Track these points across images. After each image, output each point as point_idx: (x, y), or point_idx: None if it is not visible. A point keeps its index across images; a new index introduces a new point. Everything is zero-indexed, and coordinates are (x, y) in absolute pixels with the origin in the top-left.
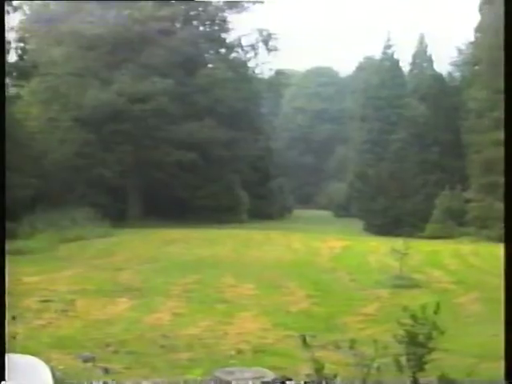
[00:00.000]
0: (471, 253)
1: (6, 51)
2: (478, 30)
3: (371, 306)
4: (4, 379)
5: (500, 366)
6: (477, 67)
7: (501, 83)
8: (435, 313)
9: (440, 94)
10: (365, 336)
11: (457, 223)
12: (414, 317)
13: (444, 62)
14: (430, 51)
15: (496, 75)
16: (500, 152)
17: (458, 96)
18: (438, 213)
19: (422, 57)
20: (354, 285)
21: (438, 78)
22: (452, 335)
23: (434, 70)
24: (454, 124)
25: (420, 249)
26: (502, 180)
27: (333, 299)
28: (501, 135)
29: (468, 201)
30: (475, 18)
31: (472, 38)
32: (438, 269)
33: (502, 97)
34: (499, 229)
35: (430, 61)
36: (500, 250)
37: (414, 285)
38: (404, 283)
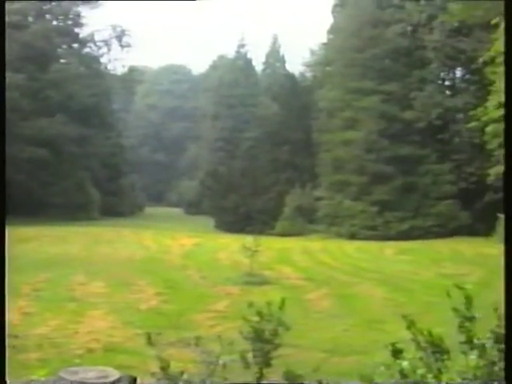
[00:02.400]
0: (321, 250)
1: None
2: (330, 31)
3: (221, 303)
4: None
5: (350, 361)
6: (329, 68)
7: (352, 84)
8: (280, 309)
9: (292, 94)
10: (215, 333)
11: (307, 221)
12: (259, 313)
13: (296, 63)
14: (282, 51)
15: (348, 76)
16: (349, 151)
17: (309, 96)
18: (288, 210)
19: (275, 57)
20: (205, 282)
21: (290, 77)
22: (302, 331)
23: (286, 69)
24: (305, 123)
25: (270, 246)
26: (350, 178)
27: (183, 296)
28: (350, 135)
29: (318, 199)
30: (328, 20)
31: (325, 40)
32: (288, 265)
33: (353, 97)
34: (348, 226)
35: (282, 61)
36: (349, 246)
37: (264, 281)
38: (254, 280)
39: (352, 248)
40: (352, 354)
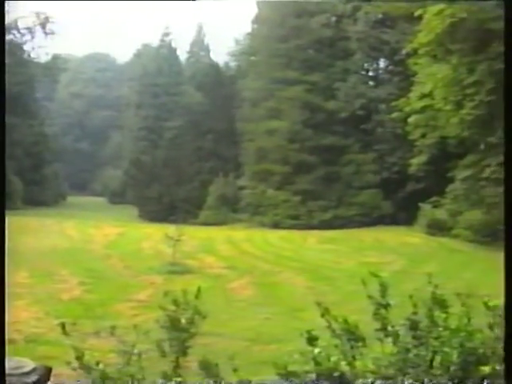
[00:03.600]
0: (244, 239)
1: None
2: (255, 21)
3: (144, 293)
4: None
5: (271, 349)
6: (253, 58)
7: (276, 73)
8: (196, 298)
9: (216, 83)
10: (136, 322)
11: (230, 210)
12: (175, 302)
13: (221, 52)
14: (207, 41)
15: (272, 66)
16: (272, 141)
17: (233, 85)
18: (211, 200)
19: (199, 46)
20: (128, 272)
21: (214, 67)
22: (224, 319)
23: (210, 59)
24: (229, 113)
25: (194, 235)
26: (274, 168)
27: (106, 286)
28: (274, 124)
29: (241, 188)
30: (253, 10)
31: (249, 29)
32: (212, 255)
33: (277, 87)
34: (272, 215)
35: (207, 50)
36: (272, 235)
37: (187, 271)
38: (177, 269)
39: (275, 237)
40: (273, 342)
